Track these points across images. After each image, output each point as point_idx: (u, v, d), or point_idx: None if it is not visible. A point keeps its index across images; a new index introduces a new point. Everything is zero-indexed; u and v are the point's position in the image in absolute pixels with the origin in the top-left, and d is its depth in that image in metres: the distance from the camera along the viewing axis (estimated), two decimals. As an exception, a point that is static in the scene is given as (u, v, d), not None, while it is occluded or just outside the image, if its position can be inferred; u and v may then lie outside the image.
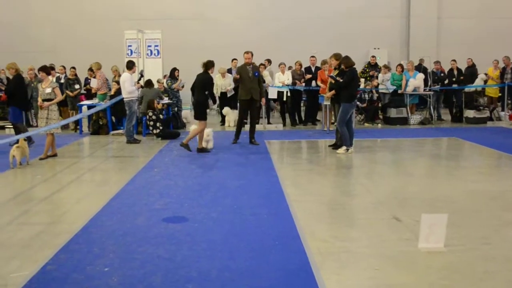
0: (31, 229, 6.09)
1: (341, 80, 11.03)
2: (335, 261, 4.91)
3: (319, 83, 14.97)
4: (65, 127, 15.31)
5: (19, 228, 6.13)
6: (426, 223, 5.20)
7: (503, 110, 17.15)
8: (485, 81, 17.24)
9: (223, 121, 16.36)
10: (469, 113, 16.47)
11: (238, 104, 15.81)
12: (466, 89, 17.12)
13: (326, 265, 4.77)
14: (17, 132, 11.46)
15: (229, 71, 16.71)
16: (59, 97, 10.92)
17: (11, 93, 11.98)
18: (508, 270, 4.64)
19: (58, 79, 15.43)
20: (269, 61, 17.56)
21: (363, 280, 4.48)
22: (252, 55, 12.32)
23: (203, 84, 11.34)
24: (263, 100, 12.89)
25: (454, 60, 17.35)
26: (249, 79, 12.05)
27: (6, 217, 6.61)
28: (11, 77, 12.60)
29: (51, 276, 4.61)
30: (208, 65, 11.16)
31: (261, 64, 15.04)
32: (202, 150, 11.08)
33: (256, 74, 12.15)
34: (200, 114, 11.32)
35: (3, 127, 15.76)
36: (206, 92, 11.13)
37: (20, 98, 11.88)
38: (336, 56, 11.58)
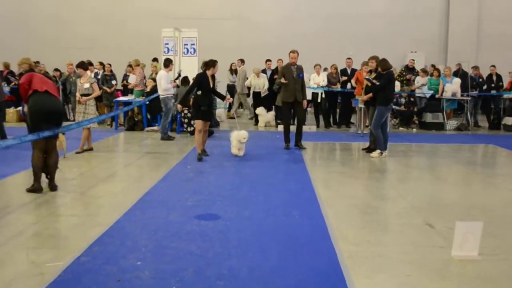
0: (67, 220, 6.24)
1: (377, 83, 10.97)
2: (366, 265, 4.88)
3: (353, 82, 14.94)
4: (100, 121, 15.57)
5: (55, 220, 6.28)
6: (461, 231, 5.13)
7: (543, 118, 16.79)
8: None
9: (256, 121, 16.40)
10: (508, 120, 16.20)
11: (274, 106, 15.89)
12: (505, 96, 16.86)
13: (357, 269, 4.75)
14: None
15: (264, 71, 16.81)
16: (97, 92, 11.11)
17: None
18: (544, 282, 4.57)
19: (96, 74, 15.71)
20: (242, 61, 17.85)
21: (394, 285, 4.44)
22: (298, 54, 11.61)
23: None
24: (305, 102, 11.90)
25: (494, 66, 17.09)
26: (293, 80, 11.40)
27: (44, 209, 6.77)
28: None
29: (85, 267, 4.69)
30: (208, 64, 10.27)
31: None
32: (200, 154, 10.21)
33: (301, 75, 11.53)
34: (194, 113, 10.79)
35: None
36: (199, 92, 10.08)
37: None
38: (375, 59, 11.50)
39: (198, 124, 10.20)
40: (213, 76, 10.32)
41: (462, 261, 4.99)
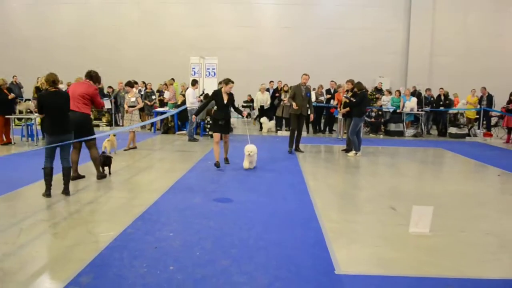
0: (117, 201, 6.23)
1: (354, 100, 10.96)
2: (344, 238, 4.87)
3: (335, 102, 14.99)
4: (142, 126, 15.60)
5: (107, 200, 6.28)
6: (416, 213, 5.13)
7: (479, 128, 16.83)
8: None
9: (261, 128, 16.39)
10: (452, 130, 16.20)
11: (275, 117, 15.86)
12: (450, 111, 16.89)
13: (338, 241, 4.73)
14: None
15: (267, 90, 16.81)
16: (140, 104, 11.13)
17: None
18: (478, 253, 4.53)
19: (139, 91, 15.72)
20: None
21: (365, 254, 4.43)
22: (308, 77, 10.86)
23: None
24: (312, 116, 11.32)
25: (442, 88, 17.04)
26: (302, 97, 10.68)
27: (99, 192, 6.79)
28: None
29: (130, 237, 4.70)
30: (223, 82, 8.78)
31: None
32: (218, 162, 8.67)
33: (308, 94, 10.93)
34: (212, 126, 9.31)
35: (98, 125, 16.15)
36: (215, 108, 8.75)
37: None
38: (351, 81, 11.46)
39: (215, 136, 8.85)
40: (230, 94, 8.63)
41: (417, 236, 4.98)
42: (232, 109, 8.83)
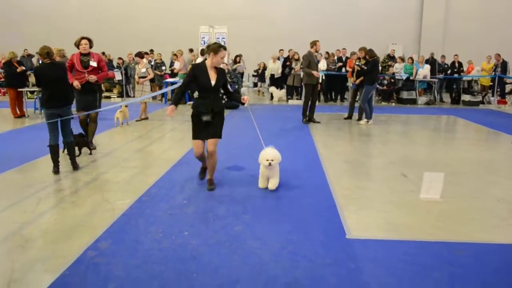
0: (130, 171, 6.34)
1: (365, 68, 10.85)
2: (355, 204, 4.93)
3: (348, 68, 14.87)
4: (154, 97, 15.63)
5: (122, 170, 6.38)
6: (427, 179, 5.16)
7: (493, 96, 16.58)
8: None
9: (271, 97, 16.36)
10: (465, 97, 16.03)
11: (285, 85, 15.77)
12: (464, 78, 16.66)
13: (348, 207, 4.80)
14: None
15: (278, 58, 16.69)
16: (151, 75, 11.14)
17: None
18: (489, 218, 4.56)
19: (149, 62, 15.70)
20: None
21: (376, 219, 4.49)
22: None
23: None
24: (319, 84, 11.09)
25: (457, 55, 16.74)
26: (316, 66, 10.46)
27: (113, 162, 6.89)
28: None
29: (145, 204, 4.81)
30: (208, 49, 5.21)
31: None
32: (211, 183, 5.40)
33: (318, 61, 10.63)
34: (192, 126, 5.55)
35: (109, 97, 16.25)
36: (195, 94, 5.83)
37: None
38: (364, 49, 11.30)
39: (195, 146, 5.42)
40: (220, 70, 5.24)
41: (428, 202, 5.02)
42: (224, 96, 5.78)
